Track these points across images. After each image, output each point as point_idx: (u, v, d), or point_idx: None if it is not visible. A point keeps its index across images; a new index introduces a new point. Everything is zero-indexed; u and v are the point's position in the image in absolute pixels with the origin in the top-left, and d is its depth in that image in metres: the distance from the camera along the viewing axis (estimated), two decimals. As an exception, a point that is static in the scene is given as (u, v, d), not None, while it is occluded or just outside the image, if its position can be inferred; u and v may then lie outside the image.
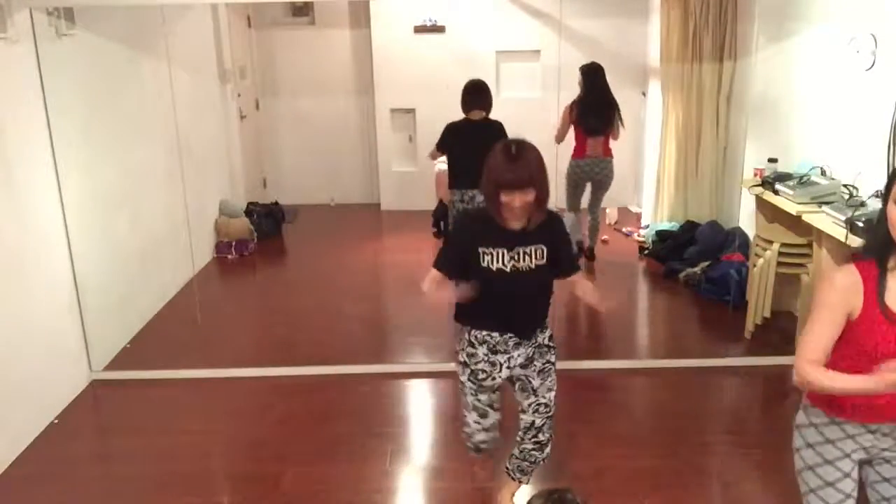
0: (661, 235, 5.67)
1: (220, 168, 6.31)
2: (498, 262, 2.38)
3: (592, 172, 5.26)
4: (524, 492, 2.85)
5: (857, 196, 3.58)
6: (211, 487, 3.06)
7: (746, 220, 5.22)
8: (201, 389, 3.84)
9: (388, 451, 3.22)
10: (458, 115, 4.55)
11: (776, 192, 4.00)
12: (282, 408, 3.64)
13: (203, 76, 5.95)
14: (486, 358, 2.51)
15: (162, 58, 4.66)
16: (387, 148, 7.18)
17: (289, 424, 3.48)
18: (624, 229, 6.34)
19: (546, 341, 2.61)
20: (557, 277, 2.50)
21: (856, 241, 3.08)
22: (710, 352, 4.27)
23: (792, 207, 3.78)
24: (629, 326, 4.91)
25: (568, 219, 5.36)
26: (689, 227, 5.60)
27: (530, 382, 2.56)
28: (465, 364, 2.55)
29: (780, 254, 4.02)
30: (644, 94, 6.54)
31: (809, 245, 3.88)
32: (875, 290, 1.77)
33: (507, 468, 2.73)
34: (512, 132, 2.88)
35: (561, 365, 3.93)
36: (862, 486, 1.95)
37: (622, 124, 5.26)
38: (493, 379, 2.53)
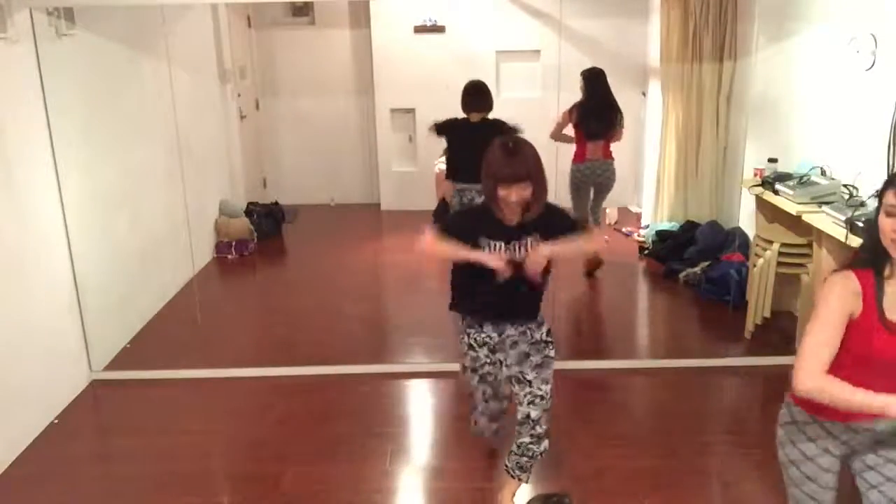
0: (661, 235, 5.67)
1: (220, 168, 6.31)
2: (495, 253, 2.47)
3: (594, 175, 5.24)
4: (523, 492, 2.86)
5: (857, 196, 3.58)
6: (211, 487, 3.06)
7: (746, 220, 5.22)
8: (201, 389, 3.84)
9: (388, 451, 3.22)
10: (459, 115, 4.55)
11: (776, 192, 4.00)
12: (282, 408, 3.64)
13: (203, 76, 5.95)
14: (487, 360, 2.65)
15: (162, 58, 4.66)
16: (387, 148, 7.18)
17: (289, 424, 3.48)
18: (624, 229, 6.34)
19: (544, 337, 2.65)
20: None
21: (856, 241, 3.08)
22: (710, 352, 4.27)
23: (792, 207, 3.78)
24: (629, 326, 4.92)
25: None
26: (689, 227, 5.60)
27: (526, 377, 2.61)
28: (472, 369, 2.73)
29: (780, 254, 4.02)
30: (644, 94, 6.54)
31: (809, 245, 3.88)
32: (874, 298, 1.78)
33: (506, 466, 2.74)
34: (512, 132, 2.89)
35: (561, 365, 3.94)
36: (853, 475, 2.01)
37: (622, 126, 5.25)
38: (498, 378, 2.72)
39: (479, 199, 2.64)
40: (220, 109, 6.31)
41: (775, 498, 2.87)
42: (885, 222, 1.76)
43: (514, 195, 2.37)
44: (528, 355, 2.61)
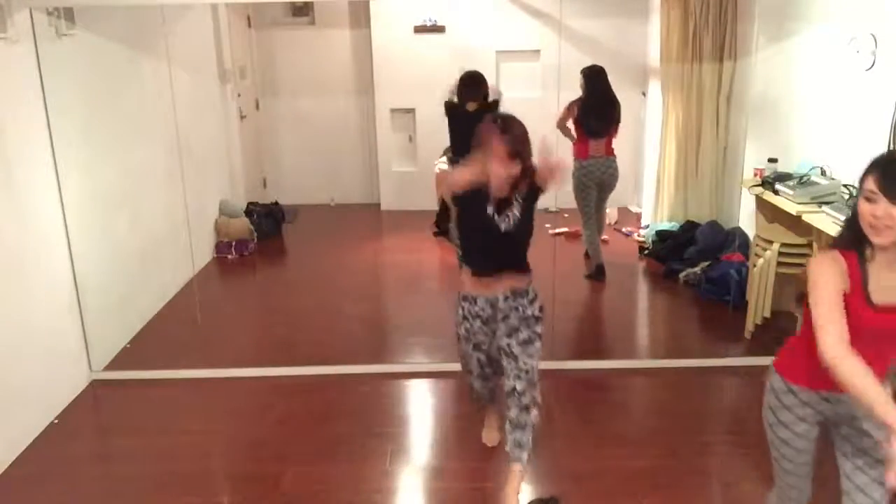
0: (661, 235, 5.67)
1: (220, 168, 6.31)
2: (492, 215, 2.64)
3: (599, 172, 5.21)
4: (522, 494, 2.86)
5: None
6: (211, 487, 3.06)
7: (746, 220, 5.22)
8: (201, 389, 3.84)
9: (388, 451, 3.22)
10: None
11: (776, 192, 4.00)
12: (282, 408, 3.64)
13: (203, 76, 5.95)
14: (481, 330, 2.81)
15: (162, 58, 4.66)
16: (387, 148, 7.18)
17: (289, 424, 3.48)
18: (624, 229, 6.34)
19: (536, 312, 2.78)
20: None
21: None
22: (710, 352, 4.27)
23: (792, 207, 3.78)
24: (629, 326, 4.92)
25: (585, 235, 5.34)
26: (689, 227, 5.60)
27: (512, 351, 2.74)
28: (465, 338, 2.86)
29: (780, 254, 4.02)
30: (644, 94, 6.54)
31: (809, 245, 3.88)
32: (860, 279, 1.84)
33: (507, 450, 2.78)
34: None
35: (561, 365, 3.97)
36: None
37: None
38: (490, 345, 2.85)
39: None
40: (220, 109, 6.31)
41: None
42: (864, 207, 1.82)
43: (501, 171, 2.52)
44: (517, 330, 2.74)
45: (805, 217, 3.65)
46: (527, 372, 2.72)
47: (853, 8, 3.82)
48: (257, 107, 7.37)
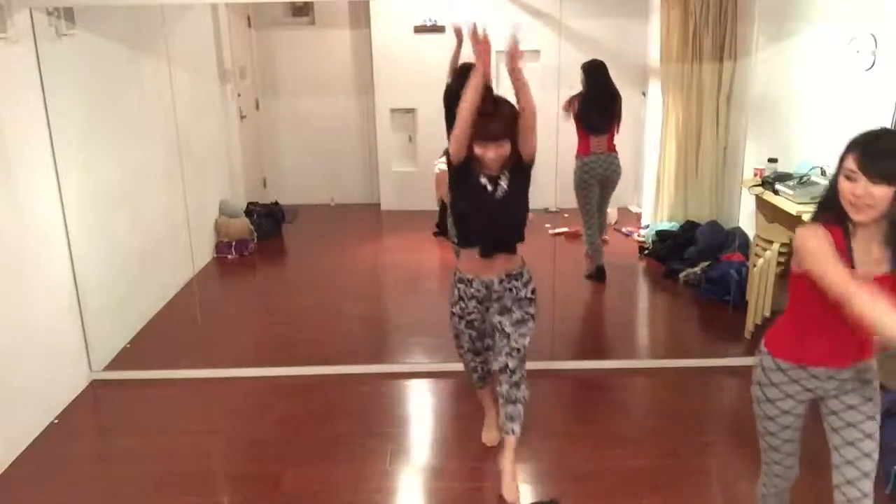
0: (661, 235, 5.67)
1: (220, 168, 6.31)
2: (485, 184, 2.73)
3: (601, 169, 5.17)
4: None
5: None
6: (211, 487, 3.06)
7: (746, 220, 5.22)
8: (201, 389, 3.84)
9: (388, 451, 3.22)
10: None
11: (776, 192, 4.00)
12: (282, 408, 3.64)
13: (203, 76, 5.95)
14: (475, 309, 2.90)
15: (162, 58, 4.66)
16: (387, 148, 7.18)
17: (289, 424, 3.48)
18: (624, 229, 6.34)
19: (528, 294, 2.89)
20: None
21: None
22: (710, 352, 4.27)
23: (792, 207, 3.78)
24: (629, 326, 4.92)
25: (586, 235, 5.32)
26: (689, 227, 5.60)
27: (505, 330, 2.85)
28: (459, 316, 2.93)
29: (780, 254, 4.02)
30: (644, 94, 6.54)
31: (809, 245, 3.87)
32: (846, 251, 1.86)
33: (500, 424, 2.96)
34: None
35: (561, 365, 3.97)
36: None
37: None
38: (484, 321, 2.95)
39: None
40: (220, 109, 6.31)
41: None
42: (844, 186, 1.84)
43: (490, 152, 2.64)
44: (509, 310, 2.85)
45: (805, 217, 3.65)
46: (518, 350, 2.84)
47: (853, 8, 3.82)
48: (257, 107, 7.37)
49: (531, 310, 2.88)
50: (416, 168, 7.05)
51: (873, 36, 3.60)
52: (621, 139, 5.36)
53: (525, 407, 2.89)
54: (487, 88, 4.57)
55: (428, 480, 3.06)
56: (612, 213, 6.44)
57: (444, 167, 4.83)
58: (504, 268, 2.84)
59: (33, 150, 3.51)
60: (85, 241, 3.87)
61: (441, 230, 6.22)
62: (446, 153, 2.73)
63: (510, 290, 2.85)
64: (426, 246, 6.21)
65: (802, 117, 4.43)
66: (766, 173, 4.28)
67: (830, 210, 1.89)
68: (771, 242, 4.08)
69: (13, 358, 3.26)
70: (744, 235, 5.17)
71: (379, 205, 7.27)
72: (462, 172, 2.74)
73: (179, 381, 3.91)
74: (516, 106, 2.65)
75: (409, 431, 3.45)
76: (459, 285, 2.90)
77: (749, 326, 4.24)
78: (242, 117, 6.86)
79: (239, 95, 6.74)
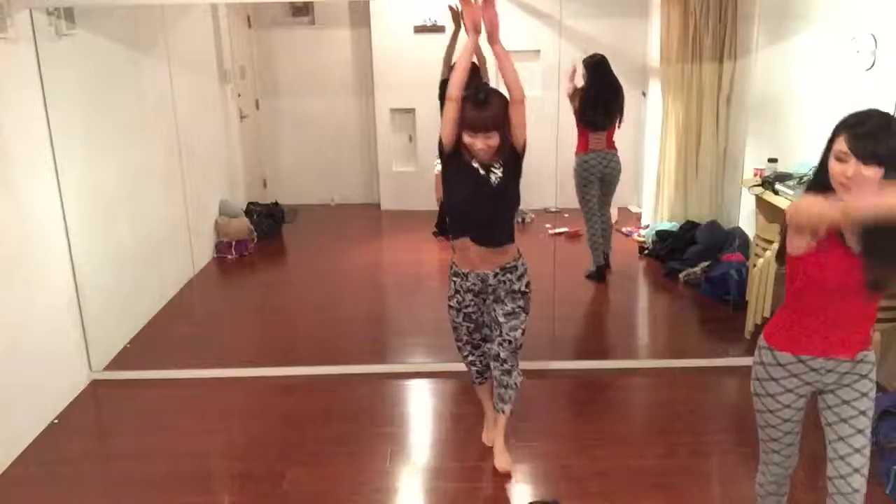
0: (661, 235, 5.67)
1: (220, 168, 6.31)
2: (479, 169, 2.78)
3: (601, 167, 5.15)
4: (521, 497, 2.86)
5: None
6: (211, 487, 3.06)
7: (746, 220, 5.22)
8: (201, 389, 3.84)
9: (388, 451, 3.23)
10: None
11: (776, 192, 4.00)
12: (282, 408, 3.64)
13: (203, 76, 5.95)
14: (473, 302, 2.96)
15: (162, 58, 4.66)
16: (387, 148, 7.18)
17: (289, 424, 3.48)
18: (624, 229, 6.33)
19: (522, 288, 2.94)
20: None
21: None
22: (710, 352, 4.28)
23: (792, 207, 3.77)
24: (629, 326, 4.92)
25: (588, 235, 5.30)
26: (689, 227, 5.60)
27: (498, 319, 2.93)
28: (457, 309, 2.99)
29: (780, 254, 4.01)
30: (644, 94, 6.54)
31: (809, 245, 3.87)
32: (838, 229, 1.87)
33: (493, 405, 3.09)
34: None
35: (561, 365, 3.97)
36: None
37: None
38: (482, 314, 3.00)
39: None
40: (220, 109, 6.31)
41: (775, 498, 2.88)
42: (834, 167, 1.87)
43: (479, 143, 2.69)
44: (502, 302, 2.92)
45: (805, 217, 3.64)
46: (510, 342, 2.93)
47: (853, 8, 3.82)
48: (257, 107, 7.37)
49: (521, 303, 2.93)
50: (416, 168, 7.04)
51: (873, 36, 3.59)
52: (621, 139, 5.35)
53: (516, 392, 3.01)
54: (479, 77, 4.60)
55: (428, 480, 3.06)
56: (612, 212, 6.44)
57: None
58: (499, 261, 2.88)
59: (33, 150, 3.50)
60: (85, 241, 3.87)
61: (441, 230, 6.22)
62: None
63: (504, 282, 2.90)
64: (426, 246, 6.20)
65: (802, 117, 4.43)
66: (766, 173, 4.28)
67: (819, 192, 1.90)
68: (771, 242, 4.07)
69: (13, 358, 3.26)
70: (744, 235, 5.17)
71: (379, 205, 7.26)
72: (455, 157, 2.79)
73: (179, 381, 3.91)
74: (507, 96, 2.70)
75: (409, 431, 3.45)
76: (455, 279, 2.96)
77: (749, 326, 4.24)
78: (242, 117, 6.85)
79: (239, 95, 6.74)
